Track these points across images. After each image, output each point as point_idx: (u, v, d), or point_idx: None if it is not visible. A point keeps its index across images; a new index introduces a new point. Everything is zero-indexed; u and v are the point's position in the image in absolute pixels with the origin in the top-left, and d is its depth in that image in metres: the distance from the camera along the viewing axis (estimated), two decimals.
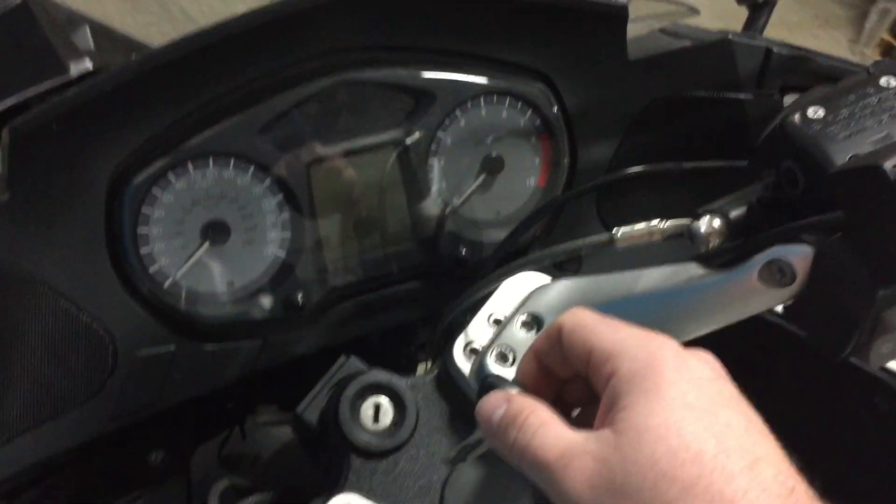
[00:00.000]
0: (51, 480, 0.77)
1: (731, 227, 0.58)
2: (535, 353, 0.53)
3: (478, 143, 0.82)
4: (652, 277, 0.64)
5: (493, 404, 0.49)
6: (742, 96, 0.83)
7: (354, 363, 0.74)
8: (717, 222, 0.58)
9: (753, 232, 0.58)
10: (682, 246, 0.68)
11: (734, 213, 0.58)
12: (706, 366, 0.46)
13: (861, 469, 0.82)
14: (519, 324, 0.69)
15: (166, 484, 0.83)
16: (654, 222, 0.61)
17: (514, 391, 0.51)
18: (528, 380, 0.52)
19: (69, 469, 0.78)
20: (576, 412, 0.53)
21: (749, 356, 0.88)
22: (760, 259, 0.57)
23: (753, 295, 0.58)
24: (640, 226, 0.61)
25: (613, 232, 0.61)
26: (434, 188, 0.81)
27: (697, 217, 0.59)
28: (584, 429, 0.45)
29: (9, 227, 0.65)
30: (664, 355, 0.45)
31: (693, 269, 0.62)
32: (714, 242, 0.58)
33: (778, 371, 0.88)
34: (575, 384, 0.51)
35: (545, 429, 0.45)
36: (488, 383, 0.59)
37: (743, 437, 0.41)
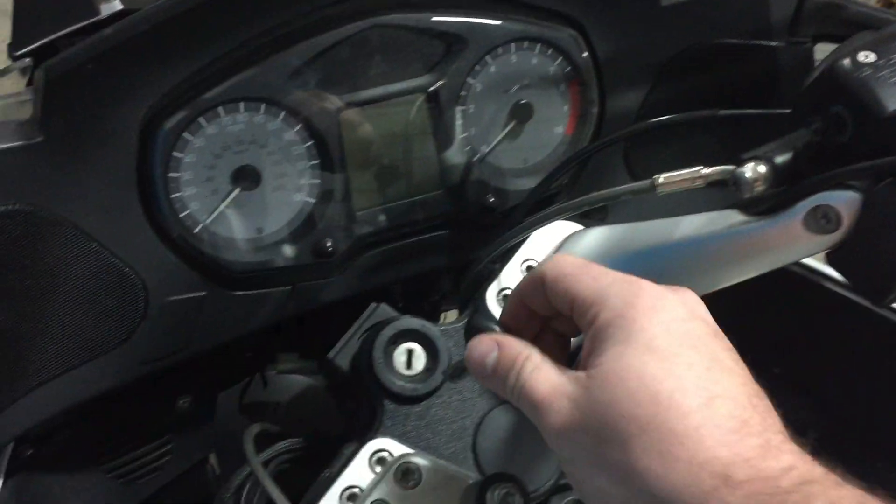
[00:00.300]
0: (80, 425, 0.78)
1: (776, 174, 0.57)
2: (520, 296, 0.55)
3: (507, 91, 0.81)
4: (691, 224, 0.64)
5: (485, 349, 0.53)
6: (774, 44, 0.82)
7: (386, 310, 0.74)
8: (761, 168, 0.57)
9: (798, 178, 0.58)
10: (713, 197, 0.68)
11: (779, 160, 0.57)
12: (681, 307, 0.48)
13: (884, 415, 0.83)
14: None
15: (194, 429, 0.84)
16: (696, 168, 0.60)
17: (499, 333, 0.55)
18: (513, 319, 0.56)
19: (99, 413, 0.78)
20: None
21: (774, 306, 0.88)
22: (806, 205, 0.57)
23: (797, 241, 0.58)
24: (683, 172, 0.60)
25: (654, 178, 0.61)
26: (462, 135, 0.81)
27: (741, 163, 0.58)
28: (569, 370, 0.49)
29: (42, 169, 0.65)
30: (640, 302, 0.47)
31: (734, 216, 0.61)
32: (758, 189, 0.57)
33: (802, 320, 0.88)
34: (561, 318, 0.53)
35: (537, 372, 0.49)
36: (473, 325, 0.60)
37: (703, 376, 0.43)
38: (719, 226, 0.62)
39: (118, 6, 0.68)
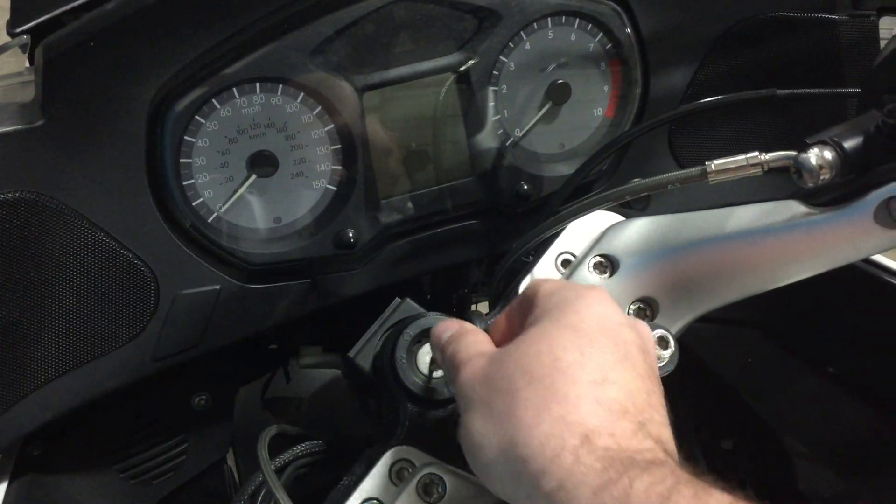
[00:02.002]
0: (92, 423, 0.74)
1: (844, 161, 0.51)
2: (507, 311, 0.57)
3: (543, 70, 0.76)
4: (745, 216, 0.58)
5: (446, 326, 0.56)
6: (836, 17, 0.76)
7: (410, 305, 0.69)
8: (828, 154, 0.51)
9: (869, 166, 0.51)
10: (766, 185, 0.62)
11: (849, 144, 0.51)
12: (622, 316, 0.51)
13: None
14: (591, 265, 0.64)
15: (210, 427, 0.80)
16: (754, 154, 0.54)
17: (472, 324, 0.56)
18: (495, 332, 0.57)
19: (111, 412, 0.74)
20: None
21: (832, 301, 0.82)
22: (878, 196, 0.51)
23: (867, 237, 0.52)
24: (738, 158, 0.54)
25: (707, 164, 0.55)
26: (495, 118, 0.75)
27: (805, 148, 0.52)
28: None
29: (44, 154, 0.61)
30: (588, 296, 0.50)
31: (795, 208, 0.55)
32: (824, 177, 0.51)
33: (863, 318, 0.82)
34: None
35: (475, 342, 0.53)
36: (467, 317, 0.59)
37: (609, 363, 0.46)
38: (778, 218, 0.56)
39: None
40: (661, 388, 0.48)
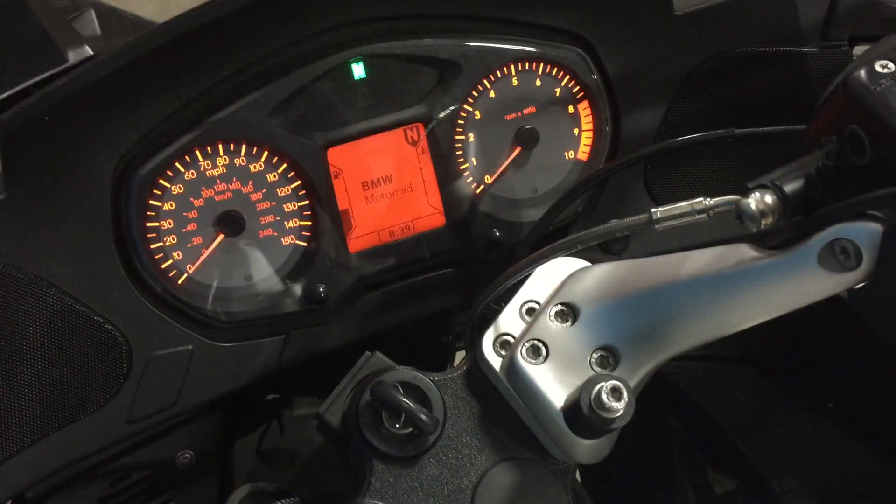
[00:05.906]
0: (78, 483, 0.75)
1: (786, 203, 0.50)
2: None
3: (509, 116, 0.76)
4: (698, 261, 0.57)
5: None
6: (805, 49, 0.74)
7: (379, 359, 0.69)
8: (769, 198, 0.50)
9: (812, 208, 0.50)
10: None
11: (790, 187, 0.50)
12: None
13: None
14: (553, 314, 0.63)
15: (195, 484, 0.80)
16: (698, 200, 0.53)
17: None
18: None
19: (97, 471, 0.75)
20: None
21: (828, 335, 0.79)
22: (820, 239, 0.49)
23: (812, 281, 0.51)
24: (682, 205, 0.53)
25: (652, 212, 0.54)
26: (463, 167, 0.75)
27: (746, 193, 0.51)
28: None
29: (9, 227, 0.62)
30: None
31: (744, 252, 0.54)
32: (767, 221, 0.50)
33: (861, 351, 0.79)
34: None
35: None
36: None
37: None
38: (728, 262, 0.54)
39: (87, 52, 0.66)
40: None
